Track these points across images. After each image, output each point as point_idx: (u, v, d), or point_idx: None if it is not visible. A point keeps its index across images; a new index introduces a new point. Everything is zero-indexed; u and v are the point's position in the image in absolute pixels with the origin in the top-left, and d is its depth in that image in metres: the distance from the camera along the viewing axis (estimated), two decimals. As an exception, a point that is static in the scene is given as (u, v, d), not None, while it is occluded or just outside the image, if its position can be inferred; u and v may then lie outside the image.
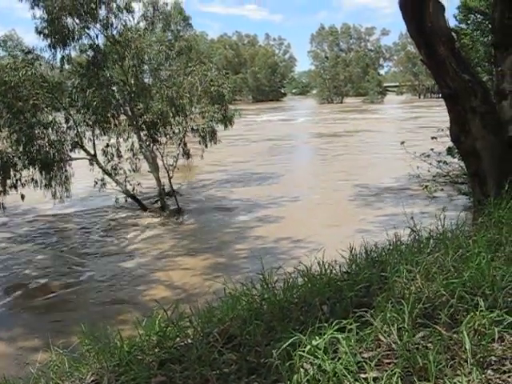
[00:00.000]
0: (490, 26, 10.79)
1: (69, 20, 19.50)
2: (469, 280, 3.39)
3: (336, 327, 2.63)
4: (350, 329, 2.67)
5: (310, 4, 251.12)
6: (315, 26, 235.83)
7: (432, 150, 15.53)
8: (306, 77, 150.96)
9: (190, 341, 3.02)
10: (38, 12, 19.24)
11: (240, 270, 13.82)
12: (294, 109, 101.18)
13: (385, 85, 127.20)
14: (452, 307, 3.03)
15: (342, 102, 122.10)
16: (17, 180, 18.84)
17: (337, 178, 26.51)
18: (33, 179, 19.10)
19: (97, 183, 20.56)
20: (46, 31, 19.31)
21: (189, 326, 3.31)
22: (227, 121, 21.13)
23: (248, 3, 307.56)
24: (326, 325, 2.88)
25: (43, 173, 19.04)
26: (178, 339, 3.07)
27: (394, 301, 3.17)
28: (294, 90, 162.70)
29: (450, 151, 15.36)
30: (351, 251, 5.11)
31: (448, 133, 7.20)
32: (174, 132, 21.26)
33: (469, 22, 17.41)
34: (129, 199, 21.23)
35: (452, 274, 3.53)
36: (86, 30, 20.03)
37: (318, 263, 5.20)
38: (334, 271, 4.71)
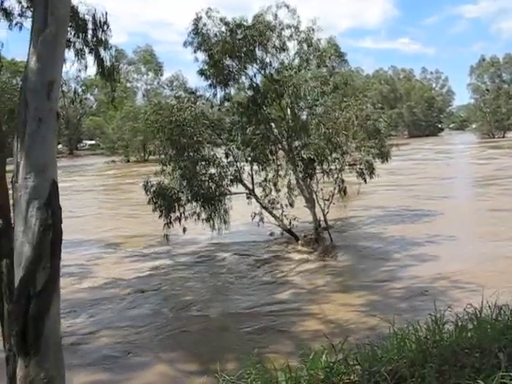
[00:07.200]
0: None
1: (229, 62, 20.47)
2: None
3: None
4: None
5: (465, 35, 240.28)
6: (472, 58, 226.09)
7: None
8: (465, 111, 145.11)
9: (356, 378, 2.92)
10: (200, 55, 20.49)
11: (395, 310, 13.35)
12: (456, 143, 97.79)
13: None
14: None
15: (503, 137, 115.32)
16: (181, 213, 19.88)
17: (498, 217, 24.97)
18: (195, 212, 20.04)
19: (254, 217, 21.14)
20: (208, 73, 20.43)
21: (355, 364, 3.21)
22: (384, 155, 20.80)
23: (401, 37, 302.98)
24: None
25: (205, 206, 19.94)
26: (343, 376, 2.98)
27: None
28: (451, 125, 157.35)
29: None
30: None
31: None
32: (330, 169, 21.28)
33: None
34: (283, 233, 21.53)
35: None
36: (244, 70, 20.87)
37: (489, 307, 4.90)
38: (506, 317, 4.41)
